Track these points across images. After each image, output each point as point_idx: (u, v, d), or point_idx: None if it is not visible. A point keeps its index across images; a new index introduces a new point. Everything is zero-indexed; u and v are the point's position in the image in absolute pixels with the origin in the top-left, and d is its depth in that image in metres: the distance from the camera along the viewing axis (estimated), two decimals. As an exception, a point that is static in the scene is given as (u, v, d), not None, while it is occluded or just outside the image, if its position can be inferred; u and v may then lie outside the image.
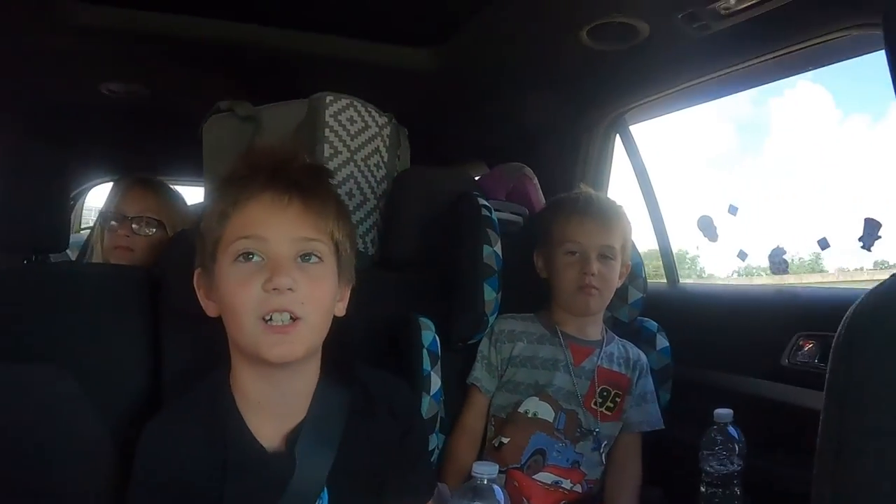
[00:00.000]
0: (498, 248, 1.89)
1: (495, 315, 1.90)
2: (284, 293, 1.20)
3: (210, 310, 1.32)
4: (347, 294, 1.38)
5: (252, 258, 1.23)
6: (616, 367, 1.93)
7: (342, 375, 1.37)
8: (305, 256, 1.26)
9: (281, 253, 1.23)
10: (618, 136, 2.64)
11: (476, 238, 1.88)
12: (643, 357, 1.98)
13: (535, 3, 1.89)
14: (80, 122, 2.84)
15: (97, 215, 2.89)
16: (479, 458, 1.86)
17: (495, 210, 2.02)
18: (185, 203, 2.43)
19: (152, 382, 1.65)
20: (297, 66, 2.34)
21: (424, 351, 1.71)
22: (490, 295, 1.86)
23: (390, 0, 2.03)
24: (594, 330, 1.96)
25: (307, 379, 1.33)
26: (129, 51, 2.28)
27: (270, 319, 1.20)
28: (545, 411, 1.84)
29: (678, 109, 2.51)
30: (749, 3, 1.77)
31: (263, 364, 1.24)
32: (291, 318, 1.21)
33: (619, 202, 2.01)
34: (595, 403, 1.87)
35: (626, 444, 1.92)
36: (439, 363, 1.75)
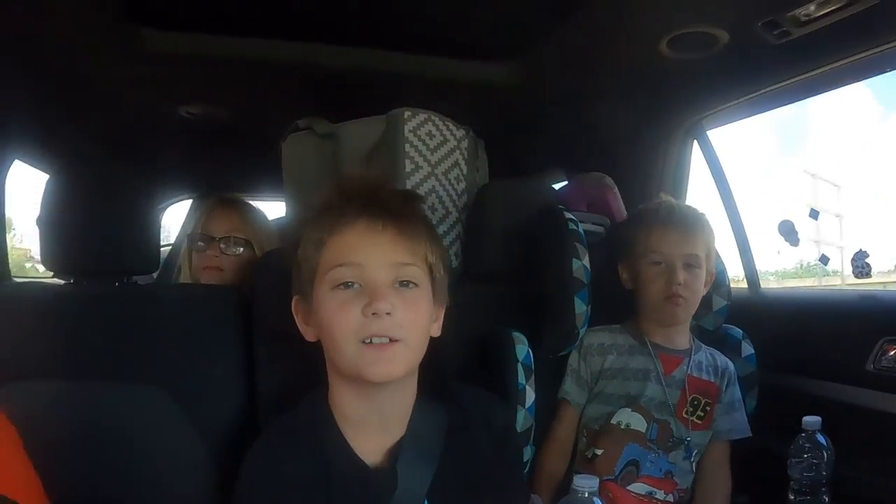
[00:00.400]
0: (586, 260, 1.88)
1: (585, 327, 1.89)
2: (383, 317, 1.22)
3: (308, 335, 1.36)
4: (442, 314, 1.40)
5: (352, 286, 1.26)
6: (705, 376, 1.91)
7: (439, 393, 1.40)
8: (403, 283, 1.28)
9: (378, 279, 1.25)
10: (695, 141, 2.63)
11: (565, 252, 1.87)
12: (731, 365, 1.95)
13: (616, 16, 1.90)
14: (159, 143, 2.91)
15: (182, 235, 2.95)
16: (570, 469, 1.86)
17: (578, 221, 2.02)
18: (268, 220, 2.46)
19: (248, 402, 1.68)
20: (372, 83, 2.37)
21: (519, 365, 1.72)
22: (580, 308, 1.85)
23: (468, 17, 2.05)
24: (682, 339, 1.95)
25: (405, 397, 1.35)
26: (207, 75, 2.35)
27: (370, 342, 1.23)
28: (638, 422, 1.83)
29: (755, 114, 2.48)
30: (828, 10, 1.77)
31: (363, 384, 1.27)
32: (390, 340, 1.24)
33: (701, 210, 1.99)
34: (686, 412, 1.85)
35: (715, 452, 1.90)
36: (533, 376, 1.75)
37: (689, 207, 2.00)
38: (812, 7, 1.77)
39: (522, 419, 1.70)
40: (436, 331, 1.37)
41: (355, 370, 1.25)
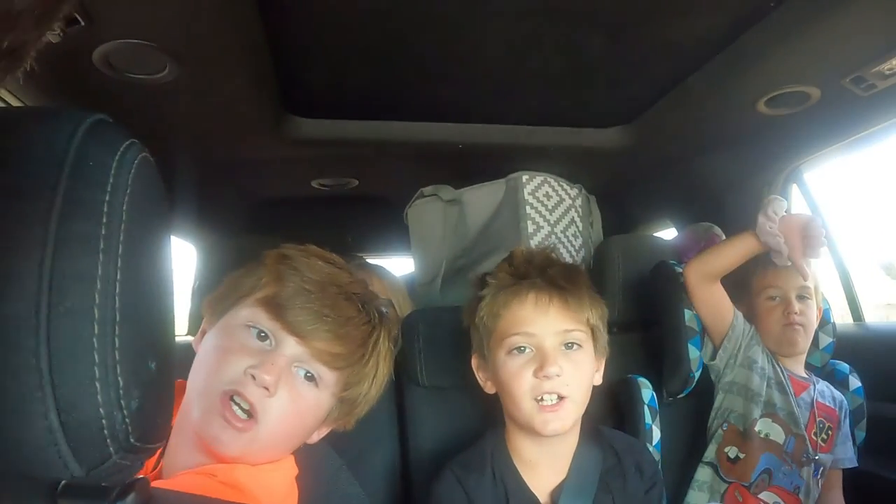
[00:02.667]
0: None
1: (700, 371, 2.01)
2: (553, 379, 1.42)
3: (488, 388, 1.58)
4: (602, 364, 1.58)
5: (524, 350, 1.46)
6: (829, 403, 1.99)
7: (595, 437, 1.57)
8: (568, 345, 1.47)
9: (547, 345, 1.45)
10: (795, 185, 2.71)
11: (677, 304, 2.01)
12: (844, 398, 2.03)
13: (717, 82, 2.01)
14: (292, 212, 3.08)
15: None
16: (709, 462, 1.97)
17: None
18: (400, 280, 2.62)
19: (400, 456, 1.85)
20: (491, 153, 2.49)
21: (645, 407, 1.87)
22: (694, 353, 1.98)
23: (582, 90, 2.17)
24: (802, 371, 2.03)
25: (570, 442, 1.53)
26: (340, 153, 2.51)
27: (542, 399, 1.43)
28: (777, 433, 1.91)
29: (850, 154, 2.57)
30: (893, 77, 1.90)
31: (536, 433, 1.46)
32: (559, 397, 1.43)
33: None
34: (814, 433, 1.93)
35: (831, 477, 1.98)
36: (658, 417, 1.89)
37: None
38: (894, 62, 1.87)
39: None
40: (598, 380, 1.56)
41: (530, 424, 1.45)
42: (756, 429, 1.91)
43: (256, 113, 2.08)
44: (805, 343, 1.98)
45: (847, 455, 1.99)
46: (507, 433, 1.56)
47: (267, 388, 1.09)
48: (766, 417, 1.93)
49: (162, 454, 1.18)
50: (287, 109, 2.21)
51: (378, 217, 3.12)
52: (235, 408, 1.08)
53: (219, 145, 2.31)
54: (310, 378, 1.16)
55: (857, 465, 1.99)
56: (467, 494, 1.49)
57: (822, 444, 1.93)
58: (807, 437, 1.90)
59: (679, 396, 2.04)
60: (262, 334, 1.14)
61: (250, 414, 1.09)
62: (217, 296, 1.25)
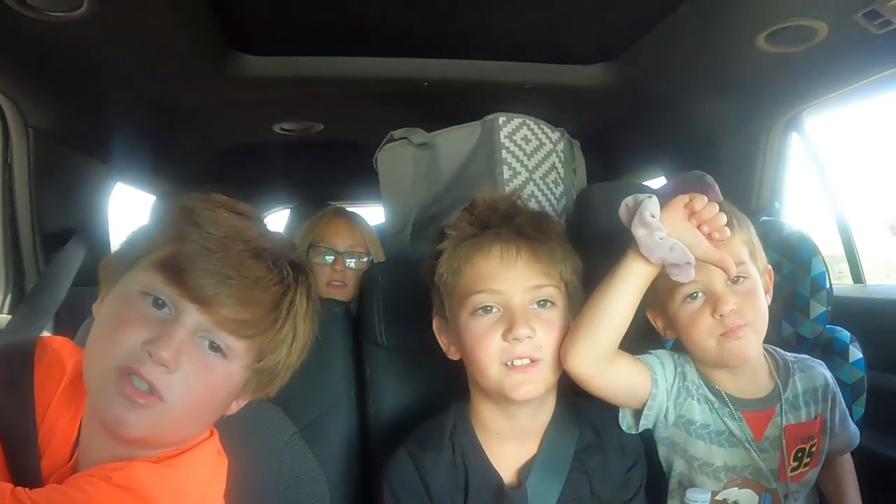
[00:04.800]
0: None
1: None
2: (524, 341, 1.28)
3: (452, 354, 1.43)
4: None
5: (490, 310, 1.31)
6: (805, 414, 1.53)
7: (572, 410, 1.44)
8: (540, 303, 1.33)
9: (516, 303, 1.30)
10: (796, 134, 2.58)
11: None
12: (831, 381, 1.60)
13: (712, 14, 1.89)
14: (256, 159, 3.01)
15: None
16: None
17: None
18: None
19: (358, 422, 1.71)
20: (466, 92, 2.38)
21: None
22: None
23: (561, 22, 2.06)
24: (763, 378, 1.54)
25: (543, 414, 1.41)
26: (301, 94, 2.40)
27: (512, 364, 1.29)
28: (747, 498, 1.49)
29: (856, 103, 2.42)
30: None
31: (506, 400, 1.32)
32: (531, 360, 1.29)
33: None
34: (791, 470, 1.51)
35: (837, 472, 1.67)
36: None
37: None
38: None
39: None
40: None
41: (499, 390, 1.31)
42: (720, 497, 1.49)
43: (195, 50, 1.98)
44: (758, 343, 1.45)
45: (845, 443, 1.65)
46: (472, 404, 1.43)
47: (166, 366, 0.97)
48: (729, 487, 1.49)
49: (76, 444, 1.08)
50: (232, 46, 2.10)
51: (348, 163, 2.98)
52: (136, 382, 0.97)
53: (159, 87, 2.20)
54: (216, 349, 1.04)
55: (857, 443, 1.70)
56: (421, 477, 1.36)
57: (805, 469, 1.53)
58: (779, 485, 1.49)
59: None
60: (160, 302, 1.02)
61: (152, 391, 0.97)
62: (113, 256, 1.12)
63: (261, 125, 2.72)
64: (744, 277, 1.43)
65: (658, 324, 1.55)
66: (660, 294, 1.47)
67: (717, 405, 1.49)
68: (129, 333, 0.99)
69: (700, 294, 1.43)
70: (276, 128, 2.75)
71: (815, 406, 1.55)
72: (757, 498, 1.50)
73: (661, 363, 1.50)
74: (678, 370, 1.51)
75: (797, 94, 2.40)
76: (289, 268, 1.11)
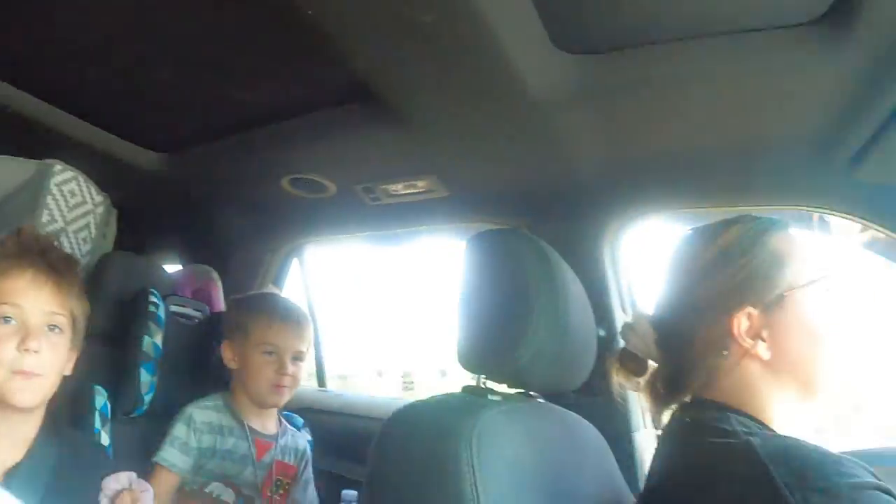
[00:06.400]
0: (158, 338, 2.16)
1: (151, 394, 2.11)
2: (33, 354, 1.47)
3: None
4: (75, 357, 1.65)
5: (10, 321, 1.49)
6: (289, 459, 2.20)
7: (54, 429, 1.61)
8: (52, 327, 1.55)
9: (33, 322, 1.51)
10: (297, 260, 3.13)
11: (140, 329, 2.14)
12: (308, 448, 2.29)
13: (254, 147, 2.28)
14: None
15: None
16: None
17: (179, 305, 2.35)
18: None
19: None
20: (32, 129, 2.33)
21: (97, 413, 1.95)
22: (146, 377, 2.10)
23: (120, 106, 2.25)
24: (272, 423, 2.22)
25: (33, 423, 1.56)
26: None
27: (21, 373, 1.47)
28: (228, 495, 2.05)
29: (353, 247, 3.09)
30: (407, 192, 2.37)
31: (6, 403, 1.47)
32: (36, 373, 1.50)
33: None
34: (270, 490, 2.11)
35: None
36: (109, 424, 1.98)
37: (298, 306, 2.30)
38: (399, 186, 2.34)
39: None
40: (69, 370, 1.63)
41: (1, 394, 1.46)
42: (208, 489, 2.04)
43: None
44: (287, 398, 2.16)
45: (307, 500, 2.23)
46: None
47: None
48: (220, 482, 2.07)
49: None
50: None
51: None
52: None
53: None
54: None
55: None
56: None
57: (278, 499, 2.14)
58: (259, 498, 2.08)
59: (132, 415, 2.11)
60: None
61: None
62: None
63: None
64: (301, 361, 2.19)
65: (228, 353, 2.18)
66: (249, 338, 2.14)
67: (238, 430, 2.12)
68: None
69: (274, 356, 2.13)
70: None
71: (294, 460, 2.22)
72: (234, 496, 2.05)
73: (177, 450, 2.02)
74: (195, 431, 2.06)
75: (304, 230, 2.91)
76: None
